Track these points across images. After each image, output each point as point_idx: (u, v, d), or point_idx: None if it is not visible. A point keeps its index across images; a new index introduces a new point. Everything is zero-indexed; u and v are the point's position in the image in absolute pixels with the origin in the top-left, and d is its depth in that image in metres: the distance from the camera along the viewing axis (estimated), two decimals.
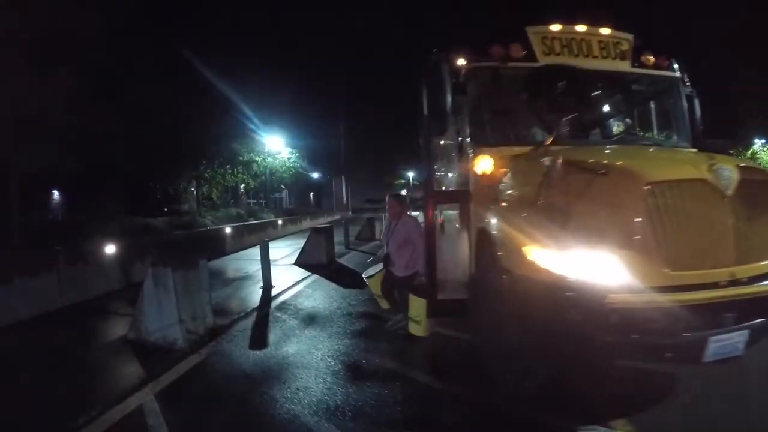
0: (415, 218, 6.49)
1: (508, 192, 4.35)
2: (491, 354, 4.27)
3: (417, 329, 5.69)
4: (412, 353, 5.46)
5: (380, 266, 6.49)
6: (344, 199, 61.61)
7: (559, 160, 3.54)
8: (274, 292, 9.14)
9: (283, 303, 8.29)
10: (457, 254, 5.48)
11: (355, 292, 8.87)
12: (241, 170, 23.35)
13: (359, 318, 7.11)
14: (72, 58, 10.75)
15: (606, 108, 4.98)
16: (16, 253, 9.15)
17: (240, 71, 21.72)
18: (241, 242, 17.38)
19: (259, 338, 6.32)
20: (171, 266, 5.77)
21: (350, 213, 53.57)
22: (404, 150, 65.43)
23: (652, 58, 5.07)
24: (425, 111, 5.00)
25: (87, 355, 5.80)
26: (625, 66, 5.01)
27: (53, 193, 19.34)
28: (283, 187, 33.80)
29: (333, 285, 9.85)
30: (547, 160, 3.69)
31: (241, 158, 23.05)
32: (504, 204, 4.27)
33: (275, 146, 26.30)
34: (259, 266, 9.59)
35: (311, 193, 60.84)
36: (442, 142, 6.26)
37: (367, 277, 6.79)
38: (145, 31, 14.87)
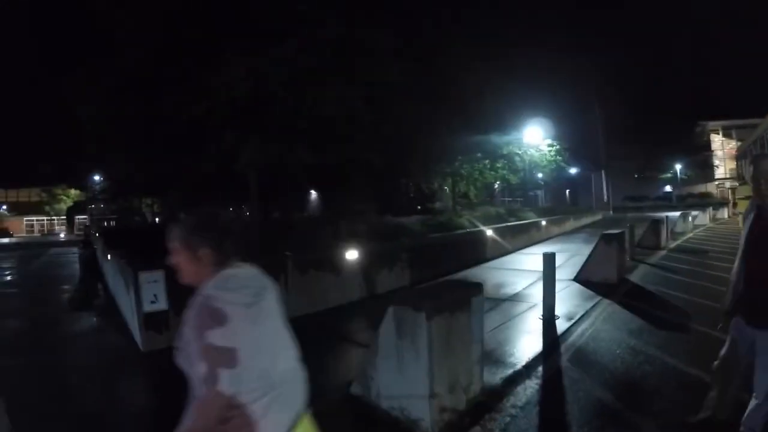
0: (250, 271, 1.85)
1: None
2: None
3: None
4: None
5: None
6: (604, 196, 55.42)
7: None
8: (559, 326, 6.66)
9: (579, 351, 5.70)
10: None
11: (686, 338, 5.99)
12: (500, 165, 21.32)
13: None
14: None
15: None
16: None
17: (491, 56, 19.58)
18: (501, 247, 15.23)
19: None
20: (425, 310, 3.69)
21: (611, 212, 47.85)
22: (670, 137, 56.26)
23: None
24: None
25: None
26: None
27: (311, 192, 19.83)
28: (542, 183, 30.87)
29: (639, 321, 6.91)
30: None
31: (500, 151, 20.93)
32: None
33: (534, 138, 23.54)
34: (529, 279, 7.25)
35: (567, 191, 56.33)
36: None
37: None
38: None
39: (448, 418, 3.80)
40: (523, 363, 5.27)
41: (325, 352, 5.92)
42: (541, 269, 7.39)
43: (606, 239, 9.98)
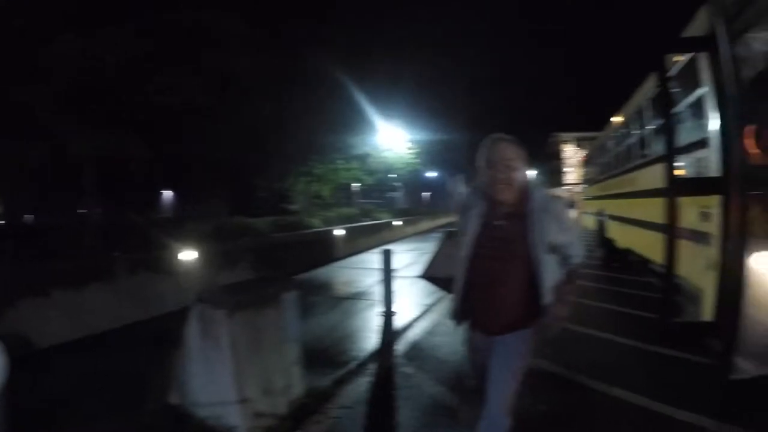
0: None
1: None
2: None
3: None
4: None
5: None
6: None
7: None
8: (398, 322, 6.44)
9: (415, 345, 5.56)
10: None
11: None
12: (356, 165, 21.18)
13: (549, 381, 4.08)
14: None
15: None
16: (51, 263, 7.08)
17: (354, 56, 19.47)
18: (353, 246, 15.10)
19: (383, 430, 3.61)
20: (225, 306, 3.21)
21: None
22: (526, 146, 61.76)
23: None
24: None
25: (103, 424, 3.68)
26: None
27: (161, 193, 18.56)
28: (400, 185, 31.48)
29: None
30: None
31: (354, 152, 20.81)
32: None
33: (391, 140, 23.73)
34: (376, 277, 7.61)
35: (427, 193, 58.63)
36: None
37: None
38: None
39: (267, 423, 3.38)
40: (357, 361, 5.03)
41: (151, 361, 5.22)
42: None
43: (449, 236, 10.09)
